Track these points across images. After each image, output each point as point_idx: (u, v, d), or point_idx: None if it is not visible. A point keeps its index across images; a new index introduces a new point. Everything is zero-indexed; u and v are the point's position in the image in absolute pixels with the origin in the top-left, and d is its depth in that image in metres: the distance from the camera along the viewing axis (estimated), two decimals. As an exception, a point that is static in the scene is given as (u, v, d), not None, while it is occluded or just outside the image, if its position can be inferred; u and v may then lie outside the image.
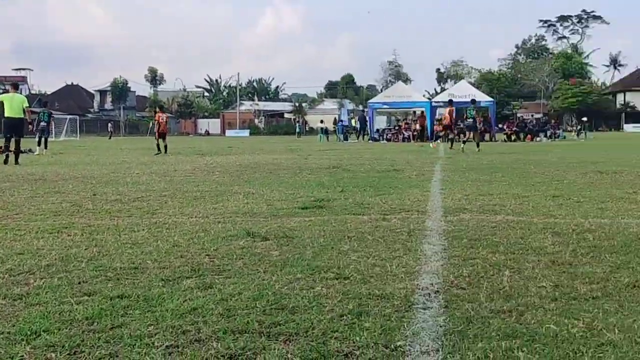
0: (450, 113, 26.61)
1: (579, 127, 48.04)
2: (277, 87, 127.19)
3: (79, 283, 4.13)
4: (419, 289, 3.93)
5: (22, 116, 17.52)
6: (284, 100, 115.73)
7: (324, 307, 3.58)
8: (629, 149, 24.35)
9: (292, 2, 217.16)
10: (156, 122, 25.27)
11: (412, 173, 12.98)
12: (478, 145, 24.27)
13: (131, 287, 4.03)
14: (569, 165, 14.85)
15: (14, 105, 17.28)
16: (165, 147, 24.00)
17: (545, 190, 9.34)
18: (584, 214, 6.92)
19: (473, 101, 27.36)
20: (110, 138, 64.41)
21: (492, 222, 6.34)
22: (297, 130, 66.52)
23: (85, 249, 5.19)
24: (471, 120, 25.83)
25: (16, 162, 16.79)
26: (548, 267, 4.45)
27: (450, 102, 27.73)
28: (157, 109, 28.40)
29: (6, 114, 17.29)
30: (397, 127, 43.61)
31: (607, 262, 4.56)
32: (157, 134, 24.62)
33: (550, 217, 6.74)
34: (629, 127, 73.66)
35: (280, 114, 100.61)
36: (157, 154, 23.23)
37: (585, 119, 50.75)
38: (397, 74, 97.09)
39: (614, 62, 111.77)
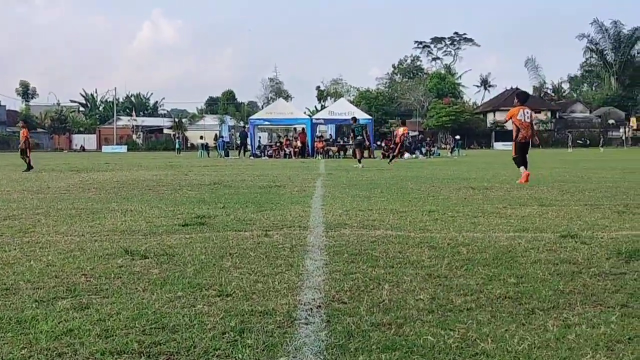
0: (404, 132, 29.14)
1: (452, 144, 49.91)
2: (156, 102, 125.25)
3: (-57, 307, 3.89)
4: (301, 304, 3.95)
5: None
6: (163, 115, 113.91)
7: (205, 325, 3.54)
8: (498, 165, 25.52)
9: (172, 16, 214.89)
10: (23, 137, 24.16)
11: (294, 189, 13.07)
12: (360, 161, 25.37)
13: (2, 309, 3.84)
14: (443, 181, 15.38)
15: None
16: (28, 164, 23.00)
17: (421, 205, 9.63)
18: (458, 228, 7.19)
19: (354, 119, 28.19)
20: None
21: (372, 237, 6.47)
22: (177, 146, 65.51)
23: (-50, 271, 4.89)
24: (360, 137, 26.71)
25: None
26: (425, 280, 4.58)
27: (403, 123, 30.05)
28: (22, 124, 27.22)
29: None
30: (278, 144, 43.80)
31: (480, 274, 4.75)
32: (21, 150, 23.81)
33: (426, 231, 6.95)
34: (498, 145, 77.24)
35: (160, 130, 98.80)
36: (25, 170, 22.24)
37: (458, 137, 52.84)
38: (278, 91, 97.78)
39: (484, 83, 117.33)
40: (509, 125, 15.36)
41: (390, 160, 28.41)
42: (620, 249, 5.61)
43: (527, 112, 14.69)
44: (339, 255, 5.50)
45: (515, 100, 15.37)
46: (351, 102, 61.58)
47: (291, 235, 6.68)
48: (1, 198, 11.24)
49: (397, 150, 30.54)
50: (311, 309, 3.84)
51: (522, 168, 14.50)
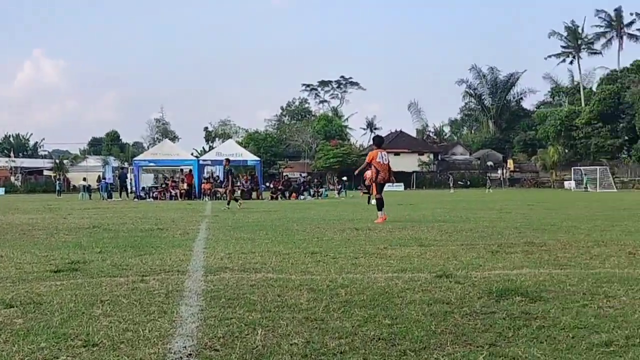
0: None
1: (339, 186, 50.53)
2: (36, 142, 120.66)
3: None
4: (172, 353, 3.83)
5: None
6: (44, 156, 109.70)
7: (67, 378, 3.36)
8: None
9: (54, 56, 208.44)
10: None
11: (177, 232, 12.81)
12: (229, 203, 25.46)
13: None
14: (329, 222, 15.51)
15: None
16: None
17: (305, 247, 9.64)
18: (339, 269, 7.22)
19: (227, 161, 28.29)
20: None
21: (252, 281, 6.39)
22: (57, 188, 63.07)
23: None
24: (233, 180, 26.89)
25: None
26: (301, 323, 4.55)
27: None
28: None
29: None
30: (164, 185, 42.99)
31: (356, 316, 4.77)
32: None
33: (307, 273, 6.94)
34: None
35: (39, 171, 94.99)
36: None
37: (345, 178, 53.61)
38: (165, 132, 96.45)
39: (370, 125, 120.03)
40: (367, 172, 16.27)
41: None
42: (492, 288, 5.78)
43: (385, 155, 15.88)
44: (216, 300, 5.39)
45: (373, 145, 16.46)
46: (239, 144, 61.55)
47: (168, 280, 6.50)
48: None
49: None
50: (181, 357, 3.73)
51: (383, 211, 15.63)
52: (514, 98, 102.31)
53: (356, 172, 18.02)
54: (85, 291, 5.86)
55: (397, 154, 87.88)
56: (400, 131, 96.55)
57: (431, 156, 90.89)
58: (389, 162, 15.97)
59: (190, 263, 7.90)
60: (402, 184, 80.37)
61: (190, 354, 3.79)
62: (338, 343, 4.02)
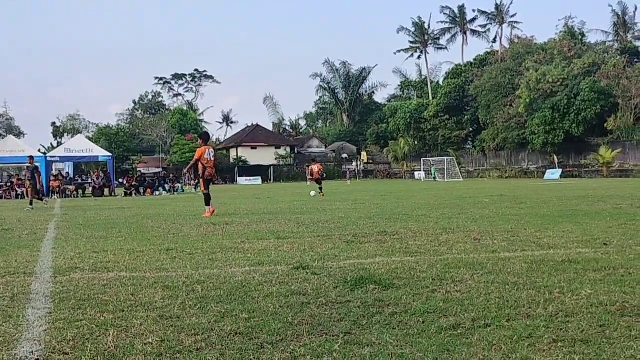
0: (319, 169, 30.36)
1: (196, 180, 49.92)
2: None
3: None
4: (17, 358, 3.63)
5: None
6: None
7: None
8: (241, 200, 25.96)
9: None
10: None
11: (24, 232, 12.18)
12: (32, 203, 23.41)
13: None
14: (185, 218, 15.30)
15: None
16: None
17: (160, 244, 9.45)
18: (195, 265, 7.14)
19: (31, 158, 26.78)
20: None
21: (104, 280, 6.19)
22: None
23: None
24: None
25: None
26: (156, 322, 4.46)
27: (314, 160, 33.03)
28: None
29: None
30: (9, 184, 40.66)
31: (213, 312, 4.73)
32: None
33: (163, 270, 6.81)
34: (242, 180, 78.78)
35: None
36: None
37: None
38: (9, 127, 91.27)
39: (227, 119, 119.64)
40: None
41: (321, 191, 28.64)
42: (347, 278, 5.92)
43: (212, 152, 16.61)
44: (66, 302, 5.18)
45: (200, 141, 17.19)
46: (90, 139, 59.36)
47: (14, 283, 6.17)
48: None
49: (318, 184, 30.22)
50: (28, 363, 3.55)
51: (211, 204, 16.25)
52: (366, 92, 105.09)
53: (185, 169, 18.62)
54: None
55: (254, 147, 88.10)
56: (257, 125, 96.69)
57: (288, 149, 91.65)
58: (215, 159, 16.72)
59: (37, 264, 7.54)
60: (259, 177, 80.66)
61: (37, 359, 3.61)
62: (194, 340, 3.98)
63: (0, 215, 18.24)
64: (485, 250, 8.00)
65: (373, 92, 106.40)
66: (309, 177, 62.13)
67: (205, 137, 17.48)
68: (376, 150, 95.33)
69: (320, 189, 29.29)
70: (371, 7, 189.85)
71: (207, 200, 16.34)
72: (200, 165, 16.38)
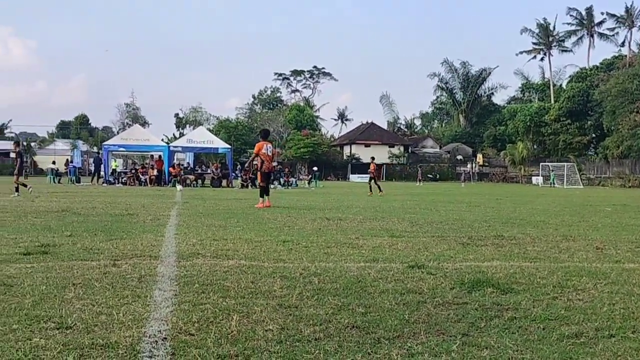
0: (373, 167, 31.00)
1: (310, 176, 50.59)
2: (3, 124, 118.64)
3: None
4: (146, 336, 3.82)
5: None
6: (11, 139, 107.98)
7: (41, 359, 3.34)
8: (353, 197, 26.13)
9: (23, 34, 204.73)
10: None
11: (147, 217, 12.74)
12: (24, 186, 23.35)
13: None
14: (300, 212, 15.53)
15: None
16: None
17: (277, 235, 9.65)
18: (311, 258, 7.25)
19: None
20: None
21: (225, 267, 6.40)
22: (25, 171, 62.22)
23: None
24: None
25: None
26: (275, 310, 4.57)
27: (372, 159, 33.20)
28: None
29: None
30: (133, 171, 42.59)
31: (329, 304, 4.80)
32: None
33: (280, 261, 6.97)
34: (354, 177, 79.12)
35: (6, 154, 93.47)
36: None
37: (315, 168, 53.71)
38: (135, 117, 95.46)
39: (342, 116, 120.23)
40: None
41: (379, 189, 29.15)
42: (464, 280, 5.86)
43: (269, 147, 17.63)
44: (190, 285, 5.39)
45: (260, 137, 18.42)
46: (210, 131, 61.14)
47: (141, 265, 6.48)
48: None
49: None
50: (156, 341, 3.73)
51: (265, 197, 17.36)
52: (485, 93, 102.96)
53: (247, 163, 19.68)
54: (57, 274, 5.81)
55: (367, 145, 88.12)
56: (372, 123, 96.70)
57: (402, 149, 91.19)
58: (273, 154, 17.88)
59: (161, 248, 7.87)
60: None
61: (165, 338, 3.79)
62: (312, 330, 4.05)
63: (126, 201, 19.13)
64: (609, 259, 7.70)
65: (492, 93, 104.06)
66: (419, 177, 62.24)
67: (265, 134, 18.83)
68: (492, 153, 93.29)
69: (378, 186, 29.48)
70: (493, 7, 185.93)
71: (263, 192, 17.55)
72: (258, 160, 17.65)
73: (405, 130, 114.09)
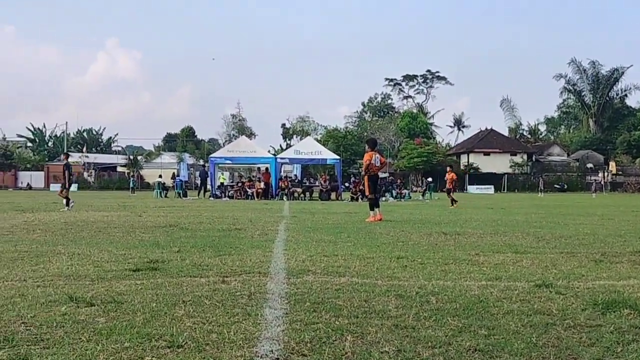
0: (451, 178, 31.78)
1: (424, 187, 50.29)
2: (110, 138, 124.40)
3: None
4: (258, 356, 3.91)
5: None
6: (117, 152, 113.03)
7: (154, 379, 3.49)
8: (472, 210, 25.75)
9: (128, 46, 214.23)
10: None
11: (255, 232, 13.02)
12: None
13: None
14: (414, 225, 15.46)
15: None
16: None
17: (390, 251, 9.65)
18: (427, 276, 7.21)
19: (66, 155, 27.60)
20: None
21: (336, 285, 6.46)
22: (131, 185, 64.93)
23: None
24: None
25: None
26: (391, 331, 4.58)
27: (451, 167, 35.14)
28: None
29: None
30: (240, 184, 43.67)
31: (449, 325, 4.76)
32: None
33: (394, 279, 6.96)
34: (472, 189, 77.99)
35: (113, 168, 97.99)
36: None
37: (430, 179, 53.34)
38: (241, 128, 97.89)
39: (458, 123, 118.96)
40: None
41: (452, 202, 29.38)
42: (597, 300, 5.67)
43: (378, 157, 18.10)
44: (301, 304, 5.47)
45: (367, 147, 18.91)
46: (318, 141, 61.85)
47: (250, 282, 6.63)
48: (-63, 238, 11.03)
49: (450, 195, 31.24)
50: (268, 361, 3.81)
51: (376, 210, 17.58)
52: (617, 95, 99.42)
53: (363, 173, 19.57)
54: (166, 291, 6.04)
55: (486, 154, 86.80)
56: (491, 129, 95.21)
57: (524, 157, 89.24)
58: (381, 164, 18.30)
59: (270, 265, 8.03)
60: (492, 186, 79.21)
61: (277, 358, 3.87)
62: (431, 353, 4.03)
63: (233, 216, 19.63)
64: None
65: (626, 95, 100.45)
66: (540, 187, 60.81)
67: (372, 143, 18.99)
68: (627, 161, 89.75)
69: (452, 198, 29.49)
70: (624, 2, 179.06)
71: (373, 205, 17.77)
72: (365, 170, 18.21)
73: (528, 136, 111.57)
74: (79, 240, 11.16)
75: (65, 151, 32.42)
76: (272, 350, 4.03)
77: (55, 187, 78.22)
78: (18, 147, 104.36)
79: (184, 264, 7.96)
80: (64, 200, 23.16)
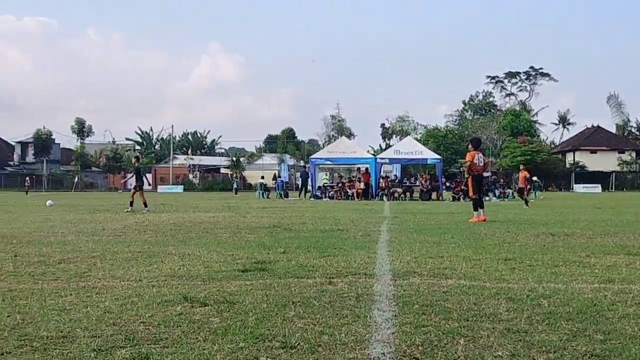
0: (523, 176, 32.30)
1: (529, 187, 49.18)
2: (213, 140, 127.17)
3: (2, 354, 4.02)
4: (370, 359, 3.95)
5: None
6: (221, 154, 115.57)
7: (270, 379, 3.57)
8: (580, 210, 25.04)
9: (230, 50, 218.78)
10: None
11: (358, 233, 13.08)
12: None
13: (60, 357, 3.95)
14: (519, 226, 15.17)
15: None
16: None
17: (496, 253, 9.51)
18: (537, 278, 7.07)
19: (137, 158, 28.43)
20: (27, 194, 62.86)
21: (444, 287, 6.43)
22: (235, 186, 66.29)
23: (8, 316, 5.07)
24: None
25: None
26: (503, 335, 4.53)
27: (524, 164, 35.49)
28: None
29: None
30: (340, 184, 43.84)
31: (563, 329, 4.67)
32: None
33: (503, 281, 6.87)
34: (579, 188, 75.69)
35: (217, 169, 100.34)
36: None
37: (535, 178, 52.11)
38: (340, 129, 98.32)
39: (563, 121, 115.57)
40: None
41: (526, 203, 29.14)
42: None
43: (481, 157, 18.30)
44: (409, 306, 5.48)
45: (470, 146, 18.80)
46: (418, 141, 61.41)
47: (357, 283, 6.68)
48: (56, 240, 11.57)
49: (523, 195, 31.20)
50: (381, 364, 3.84)
51: (480, 210, 17.46)
52: None
53: (466, 174, 19.03)
54: (275, 292, 6.16)
55: (594, 152, 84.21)
56: (598, 126, 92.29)
57: (633, 154, 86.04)
58: (485, 164, 18.59)
59: (375, 266, 8.06)
60: (599, 185, 76.70)
61: (389, 361, 3.90)
62: (546, 357, 3.97)
63: (334, 216, 19.76)
64: None
65: None
66: None
67: (476, 142, 19.20)
68: None
69: (525, 200, 29.12)
70: None
71: (476, 205, 17.74)
72: (468, 170, 18.22)
73: (637, 134, 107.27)
74: (188, 240, 11.50)
75: (135, 155, 33.20)
76: (384, 353, 4.06)
77: (163, 188, 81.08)
78: (127, 150, 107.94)
79: (290, 265, 8.09)
80: (142, 203, 23.91)
